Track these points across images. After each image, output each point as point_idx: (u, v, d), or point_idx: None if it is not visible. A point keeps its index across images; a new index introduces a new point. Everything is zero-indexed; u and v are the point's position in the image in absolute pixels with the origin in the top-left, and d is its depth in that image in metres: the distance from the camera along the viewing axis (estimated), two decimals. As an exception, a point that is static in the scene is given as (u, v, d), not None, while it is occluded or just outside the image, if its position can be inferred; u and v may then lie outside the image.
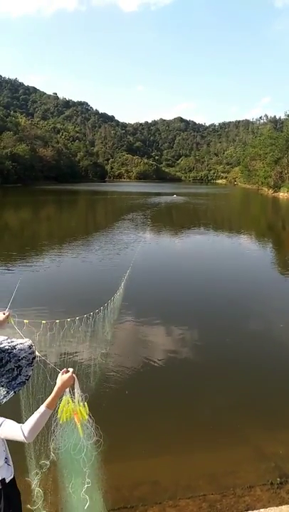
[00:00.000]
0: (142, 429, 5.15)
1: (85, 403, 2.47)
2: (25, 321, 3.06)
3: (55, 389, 2.26)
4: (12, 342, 2.29)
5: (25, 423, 2.11)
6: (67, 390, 2.41)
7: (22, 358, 2.22)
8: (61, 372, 2.35)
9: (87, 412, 2.46)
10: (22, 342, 2.32)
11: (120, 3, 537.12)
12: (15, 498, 2.33)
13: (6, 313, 2.94)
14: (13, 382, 2.12)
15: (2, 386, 2.11)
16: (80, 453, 2.46)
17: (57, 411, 2.42)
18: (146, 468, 4.52)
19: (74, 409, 2.41)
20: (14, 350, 2.25)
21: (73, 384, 2.40)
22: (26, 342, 2.33)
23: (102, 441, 2.52)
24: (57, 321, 3.61)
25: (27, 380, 2.17)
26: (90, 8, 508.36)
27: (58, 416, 2.44)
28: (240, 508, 3.79)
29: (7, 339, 2.31)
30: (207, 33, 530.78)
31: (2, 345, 2.24)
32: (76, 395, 2.44)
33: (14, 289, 3.48)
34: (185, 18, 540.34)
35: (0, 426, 2.10)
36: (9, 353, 2.23)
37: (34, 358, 2.27)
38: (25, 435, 2.07)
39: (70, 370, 2.37)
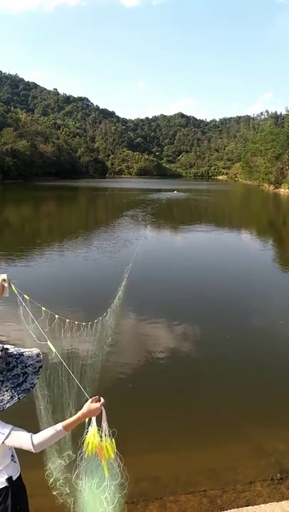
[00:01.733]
0: (143, 425, 5.17)
1: (113, 440, 2.29)
2: (26, 296, 2.86)
3: (79, 414, 2.18)
4: (19, 349, 2.28)
5: (37, 435, 2.09)
6: (94, 419, 2.25)
7: (29, 365, 2.19)
8: (91, 399, 2.25)
9: (114, 449, 2.27)
10: (30, 350, 2.30)
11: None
12: (22, 495, 2.34)
13: (2, 276, 2.73)
14: (18, 389, 2.09)
15: (7, 391, 2.07)
16: (104, 492, 2.26)
17: (83, 442, 2.28)
18: (146, 464, 4.53)
19: (100, 444, 2.23)
20: (22, 357, 2.23)
21: (101, 415, 2.25)
22: (34, 350, 2.30)
23: (127, 484, 2.34)
24: (56, 316, 3.38)
25: (32, 387, 2.12)
26: (91, 3, 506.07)
27: (84, 449, 2.26)
28: (241, 503, 3.81)
29: (14, 347, 2.31)
30: (209, 29, 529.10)
31: (10, 351, 2.23)
32: (104, 428, 2.27)
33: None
34: (186, 13, 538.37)
35: (8, 436, 2.08)
36: (17, 358, 2.21)
37: (41, 366, 2.23)
38: (34, 446, 2.05)
39: (102, 400, 2.25)
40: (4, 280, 2.72)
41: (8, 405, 2.03)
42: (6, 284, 2.71)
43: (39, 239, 19.66)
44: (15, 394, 2.06)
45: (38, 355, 2.27)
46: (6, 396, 2.05)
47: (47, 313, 3.16)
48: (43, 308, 3.13)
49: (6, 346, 2.23)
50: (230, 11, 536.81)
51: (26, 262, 13.99)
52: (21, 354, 2.23)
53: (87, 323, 3.96)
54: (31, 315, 2.86)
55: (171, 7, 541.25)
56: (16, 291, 2.77)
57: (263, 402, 5.82)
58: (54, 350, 2.58)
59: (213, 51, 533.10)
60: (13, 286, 2.74)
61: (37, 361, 2.23)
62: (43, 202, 43.82)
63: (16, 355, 2.22)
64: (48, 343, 2.55)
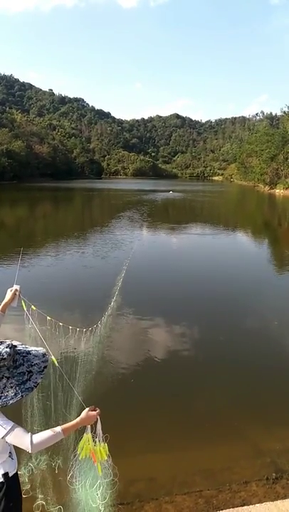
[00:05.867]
0: (138, 425, 5.17)
1: (106, 444, 2.50)
2: (32, 307, 3.12)
3: (78, 420, 2.29)
4: (27, 347, 2.30)
5: (36, 435, 2.11)
6: (89, 427, 2.42)
7: (34, 364, 2.21)
8: (88, 408, 2.37)
9: (107, 452, 2.49)
10: (36, 349, 2.32)
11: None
12: (16, 494, 2.33)
13: (14, 289, 2.96)
14: (22, 386, 2.11)
15: (11, 387, 2.09)
16: (97, 490, 2.50)
17: (77, 447, 2.47)
18: (142, 464, 4.53)
19: (93, 448, 2.44)
20: (28, 355, 2.24)
21: (96, 423, 2.42)
22: (40, 350, 2.33)
23: (118, 481, 2.58)
24: (60, 323, 3.70)
25: (35, 386, 2.15)
26: (88, 4, 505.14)
27: (78, 452, 2.47)
28: (236, 503, 3.82)
29: (21, 344, 2.32)
30: (204, 30, 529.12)
31: (18, 348, 2.24)
32: (98, 434, 2.48)
33: (17, 265, 3.62)
34: (183, 15, 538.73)
35: (9, 432, 2.09)
36: (24, 356, 2.23)
37: (46, 366, 2.25)
38: (32, 446, 2.08)
39: (97, 410, 2.39)
40: (17, 290, 2.97)
41: (11, 402, 2.06)
42: (17, 294, 2.97)
43: (34, 240, 19.61)
44: (19, 391, 2.09)
45: (44, 355, 2.30)
46: (11, 393, 2.08)
47: (51, 321, 3.55)
48: (48, 317, 3.51)
49: (14, 343, 2.25)
50: (226, 13, 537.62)
51: (21, 263, 13.93)
52: (28, 353, 2.26)
53: (87, 328, 4.11)
54: (36, 328, 3.08)
55: (168, 9, 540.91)
56: (24, 305, 3.03)
57: (259, 402, 5.84)
58: (53, 358, 2.68)
59: (210, 53, 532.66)
60: (22, 298, 3.00)
61: (42, 361, 2.26)
62: (38, 203, 43.72)
63: (22, 352, 2.24)
64: (52, 357, 2.63)
